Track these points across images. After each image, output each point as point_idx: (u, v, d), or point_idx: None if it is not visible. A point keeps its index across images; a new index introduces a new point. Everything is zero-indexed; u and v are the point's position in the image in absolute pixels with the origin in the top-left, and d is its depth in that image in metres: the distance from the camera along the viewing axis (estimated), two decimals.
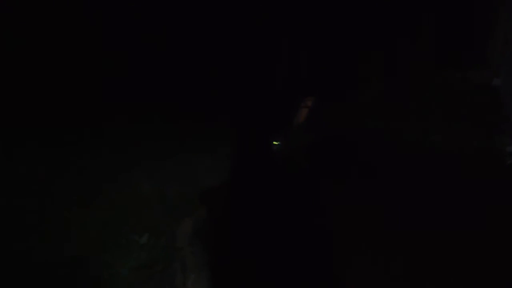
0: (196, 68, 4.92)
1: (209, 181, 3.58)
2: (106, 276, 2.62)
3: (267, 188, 2.93)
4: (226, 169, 4.06)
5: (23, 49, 5.12)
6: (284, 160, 4.10)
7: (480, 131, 3.61)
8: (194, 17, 4.68)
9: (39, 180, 3.85)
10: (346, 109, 4.34)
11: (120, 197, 3.40)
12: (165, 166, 4.29)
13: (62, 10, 4.86)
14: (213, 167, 4.30)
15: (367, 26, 4.16)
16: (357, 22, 4.17)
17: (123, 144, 4.93)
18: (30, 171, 4.04)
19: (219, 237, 2.34)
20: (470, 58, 4.30)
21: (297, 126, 4.52)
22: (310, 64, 4.37)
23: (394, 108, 4.14)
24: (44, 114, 5.33)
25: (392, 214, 2.71)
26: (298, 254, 2.31)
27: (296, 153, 4.20)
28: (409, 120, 3.95)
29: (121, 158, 4.49)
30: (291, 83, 4.39)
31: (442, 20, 4.34)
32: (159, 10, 4.70)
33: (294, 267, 2.20)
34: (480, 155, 3.55)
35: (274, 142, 4.27)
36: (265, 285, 2.11)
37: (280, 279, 2.12)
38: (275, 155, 4.11)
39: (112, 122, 5.57)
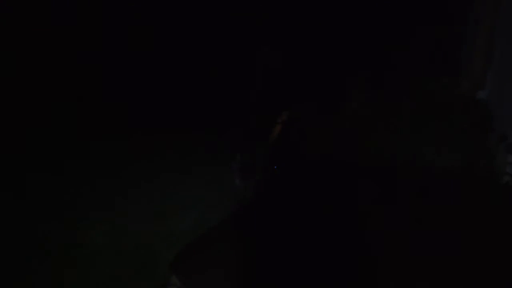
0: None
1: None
2: None
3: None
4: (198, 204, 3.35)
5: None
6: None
7: (478, 149, 3.38)
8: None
9: None
10: (328, 124, 3.91)
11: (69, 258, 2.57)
12: (124, 201, 3.39)
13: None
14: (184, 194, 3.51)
15: (352, 34, 3.77)
16: (341, 31, 3.76)
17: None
18: None
19: None
20: (450, 69, 4.11)
21: (271, 144, 4.00)
22: (288, 74, 3.86)
23: (381, 122, 3.79)
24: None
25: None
26: None
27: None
28: (400, 137, 3.61)
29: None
30: (267, 95, 3.85)
31: (422, 32, 4.08)
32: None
33: None
34: (479, 174, 3.32)
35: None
36: None
37: None
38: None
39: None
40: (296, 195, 2.97)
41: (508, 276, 2.06)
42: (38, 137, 4.25)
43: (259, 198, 2.94)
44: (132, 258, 2.69)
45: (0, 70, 4.54)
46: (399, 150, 3.59)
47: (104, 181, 3.58)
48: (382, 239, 2.41)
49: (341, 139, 3.82)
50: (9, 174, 3.67)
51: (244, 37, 4.03)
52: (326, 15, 3.86)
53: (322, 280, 1.99)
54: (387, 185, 3.15)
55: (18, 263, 2.58)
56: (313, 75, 3.80)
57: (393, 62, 3.93)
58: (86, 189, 3.48)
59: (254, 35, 3.94)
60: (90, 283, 2.49)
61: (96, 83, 4.70)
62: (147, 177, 3.62)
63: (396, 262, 2.15)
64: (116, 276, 2.53)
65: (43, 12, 4.55)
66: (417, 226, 2.65)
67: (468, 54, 3.98)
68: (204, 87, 4.33)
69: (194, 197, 3.23)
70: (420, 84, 3.83)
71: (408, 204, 2.87)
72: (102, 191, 3.39)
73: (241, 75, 3.98)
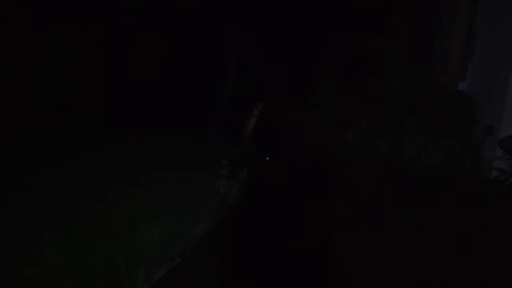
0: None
1: None
2: None
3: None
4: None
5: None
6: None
7: (463, 143, 3.27)
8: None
9: None
10: (304, 118, 3.65)
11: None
12: (84, 211, 2.79)
13: None
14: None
15: (329, 28, 3.55)
16: (318, 24, 3.51)
17: None
18: None
19: None
20: (432, 62, 4.01)
21: (247, 138, 3.66)
22: (261, 67, 3.54)
23: (362, 118, 3.59)
24: None
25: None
26: None
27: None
28: (383, 134, 3.43)
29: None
30: (241, 89, 3.52)
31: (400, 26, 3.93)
32: None
33: None
34: (466, 170, 3.23)
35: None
36: None
37: None
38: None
39: None
40: (278, 200, 2.67)
41: (498, 270, 1.96)
42: None
43: (239, 210, 2.61)
44: (99, 278, 2.23)
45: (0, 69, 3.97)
46: (382, 148, 3.41)
47: (66, 189, 2.99)
48: (367, 237, 2.22)
49: (318, 135, 3.59)
50: None
51: (217, 28, 3.68)
52: (303, 8, 3.62)
53: None
54: (369, 183, 2.96)
55: None
56: (287, 67, 3.52)
57: (373, 57, 3.75)
58: (46, 198, 2.88)
59: (226, 26, 3.61)
60: None
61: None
62: (111, 185, 3.07)
63: (383, 260, 1.99)
64: None
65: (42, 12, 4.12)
66: (403, 224, 2.50)
67: (445, 46, 3.90)
68: (174, 84, 3.90)
69: (165, 205, 2.78)
70: (401, 79, 3.68)
71: (393, 203, 2.71)
72: (59, 199, 2.83)
73: (214, 70, 3.65)
